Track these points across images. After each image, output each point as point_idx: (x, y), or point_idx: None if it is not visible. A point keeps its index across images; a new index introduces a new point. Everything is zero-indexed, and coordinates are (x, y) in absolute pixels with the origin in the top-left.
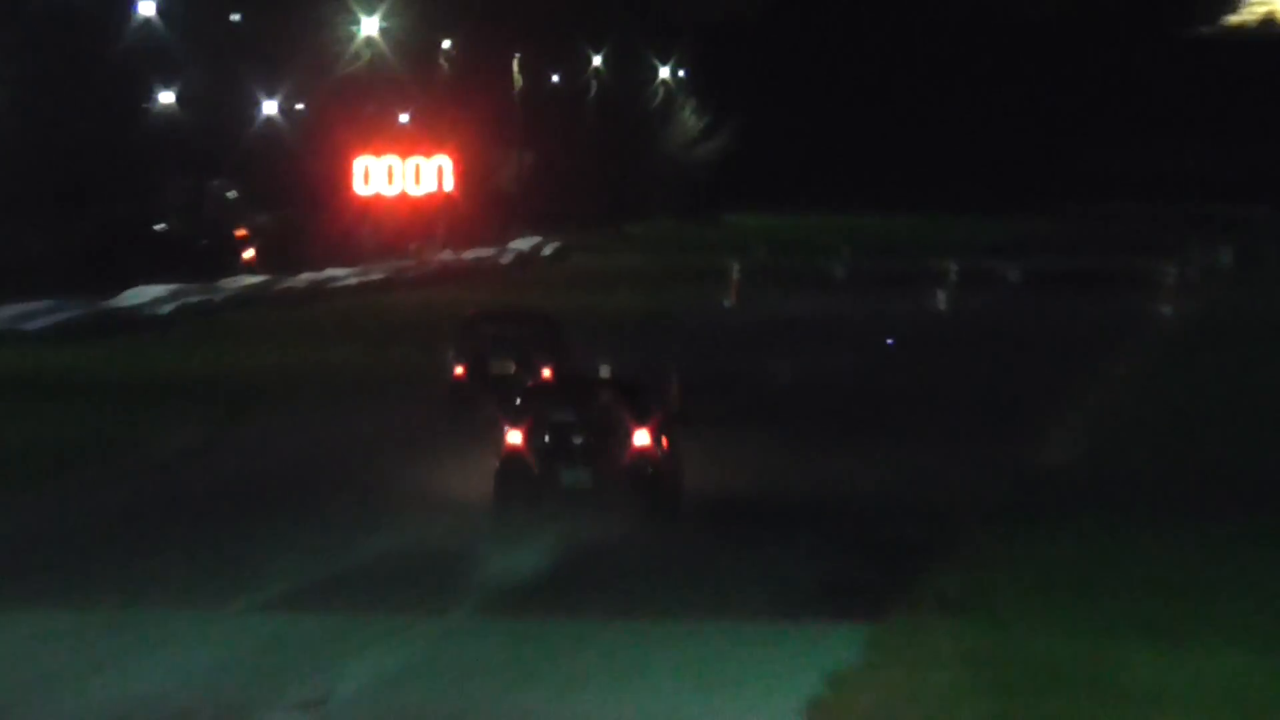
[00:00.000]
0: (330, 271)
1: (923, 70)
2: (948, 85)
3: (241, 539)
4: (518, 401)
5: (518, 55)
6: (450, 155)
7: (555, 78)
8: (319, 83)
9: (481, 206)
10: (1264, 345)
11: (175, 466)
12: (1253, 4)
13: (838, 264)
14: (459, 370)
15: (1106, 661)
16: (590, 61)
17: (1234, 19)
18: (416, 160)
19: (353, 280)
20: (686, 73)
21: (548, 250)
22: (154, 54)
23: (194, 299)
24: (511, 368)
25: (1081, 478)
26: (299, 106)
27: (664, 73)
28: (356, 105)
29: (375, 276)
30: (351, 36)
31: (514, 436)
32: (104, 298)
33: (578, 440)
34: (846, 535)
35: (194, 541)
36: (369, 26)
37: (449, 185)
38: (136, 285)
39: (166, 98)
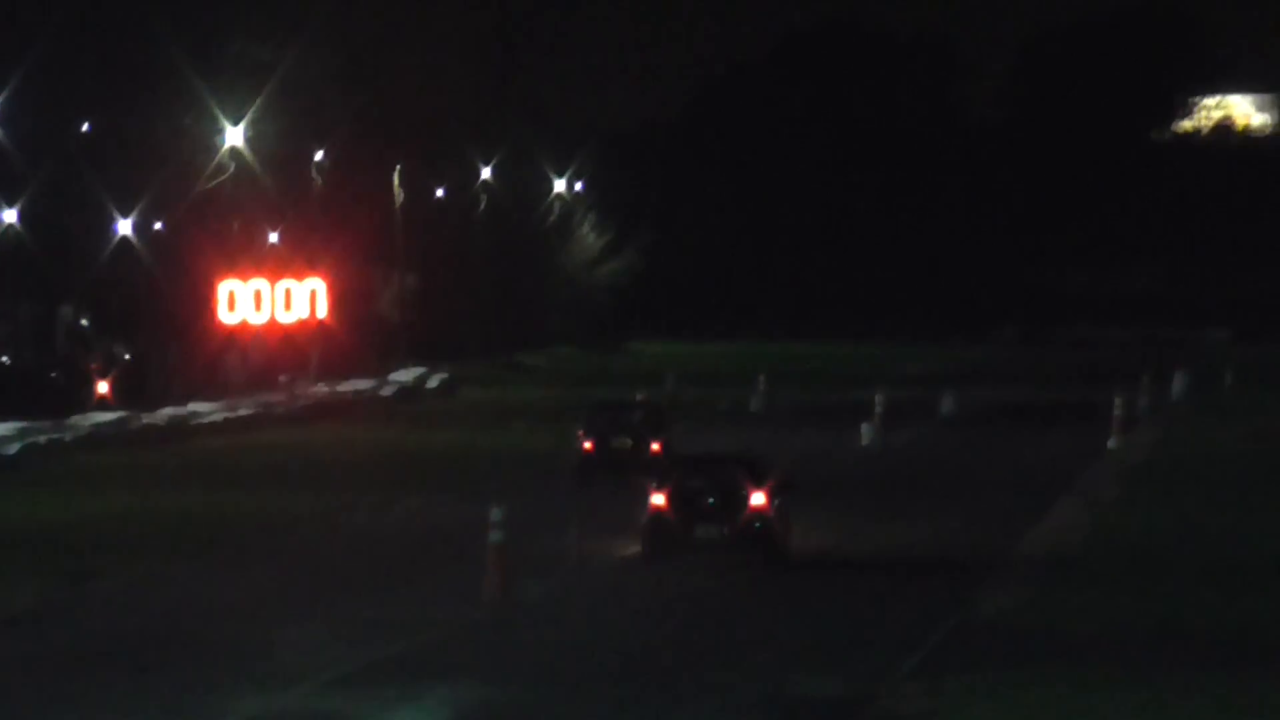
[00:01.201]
0: (193, 407)
1: (848, 185)
2: (875, 201)
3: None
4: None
5: (398, 167)
6: (324, 278)
7: (440, 192)
8: (179, 199)
9: (359, 334)
10: (1218, 483)
11: (22, 625)
12: (1206, 109)
13: (753, 396)
14: (588, 445)
15: None
16: (479, 173)
17: (1187, 124)
18: (287, 284)
19: (218, 416)
20: (585, 185)
21: (434, 382)
22: None
23: (42, 438)
24: (629, 443)
25: (1019, 629)
26: (157, 225)
27: (560, 186)
28: (221, 224)
29: (243, 412)
30: (215, 148)
31: (658, 499)
32: None
33: (709, 501)
34: (760, 692)
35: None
36: (234, 136)
37: (322, 311)
38: None
39: (9, 216)
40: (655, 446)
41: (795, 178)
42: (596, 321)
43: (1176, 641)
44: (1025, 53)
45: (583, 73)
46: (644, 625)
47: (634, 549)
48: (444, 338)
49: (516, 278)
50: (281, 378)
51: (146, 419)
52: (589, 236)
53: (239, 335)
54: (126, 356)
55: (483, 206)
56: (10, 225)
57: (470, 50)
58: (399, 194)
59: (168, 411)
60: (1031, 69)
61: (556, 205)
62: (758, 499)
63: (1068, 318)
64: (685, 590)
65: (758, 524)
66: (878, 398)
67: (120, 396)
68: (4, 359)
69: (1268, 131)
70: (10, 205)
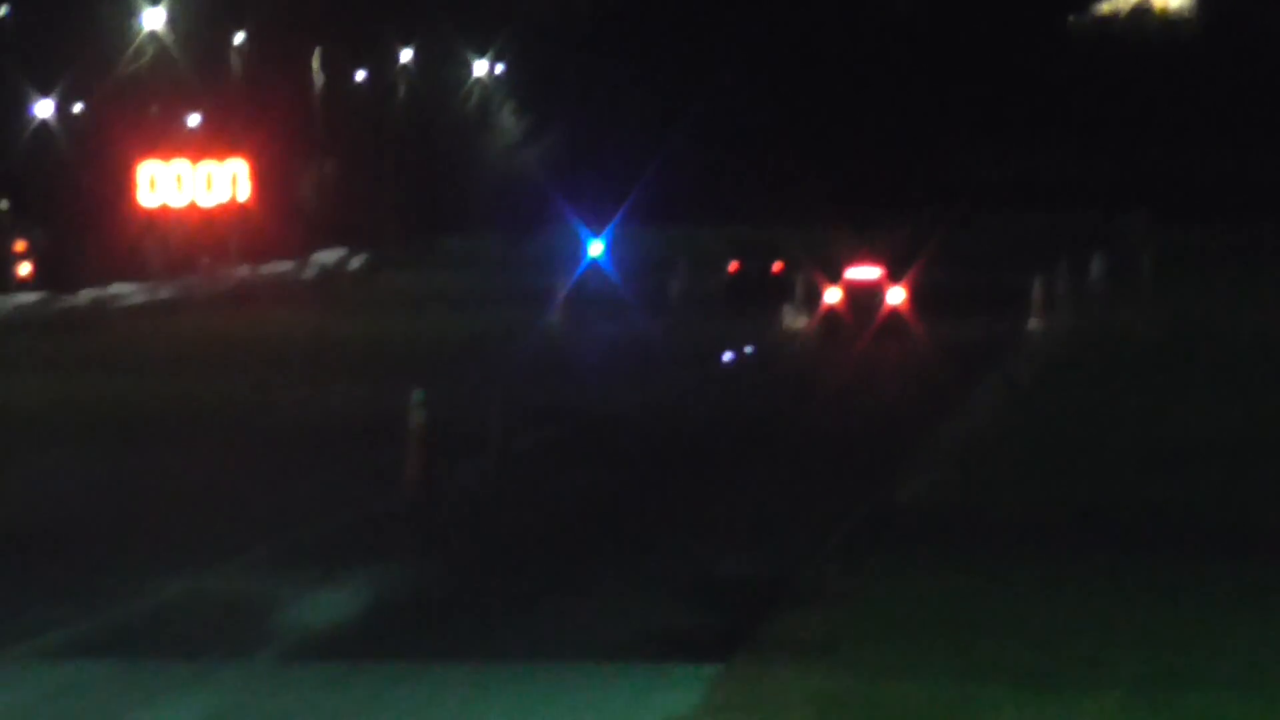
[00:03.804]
0: (114, 289)
1: (765, 69)
2: (792, 86)
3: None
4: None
5: (318, 50)
6: (245, 160)
7: (360, 76)
8: (98, 82)
9: (280, 217)
10: (1134, 367)
11: None
12: None
13: (673, 280)
14: (734, 266)
15: (969, 707)
16: (399, 58)
17: (1105, 7)
18: (208, 166)
19: (139, 299)
20: (506, 69)
21: (354, 264)
22: None
23: None
24: (761, 265)
25: (940, 512)
26: (76, 109)
27: (481, 70)
28: (140, 107)
29: (164, 295)
30: (133, 31)
31: (832, 298)
32: None
33: (864, 302)
34: (681, 573)
35: None
36: (152, 19)
37: (244, 194)
38: None
39: None
40: (776, 267)
41: (712, 64)
42: (516, 207)
43: (1092, 521)
44: None
45: None
46: (565, 510)
47: (550, 433)
48: (364, 221)
49: (436, 162)
50: (202, 260)
51: (67, 301)
52: (509, 121)
53: (159, 218)
54: (46, 239)
55: (402, 92)
56: None
57: None
58: (319, 78)
59: (89, 294)
60: None
61: (476, 90)
62: (895, 298)
63: (985, 202)
64: (609, 474)
65: (896, 317)
66: (797, 278)
67: (41, 279)
68: None
69: (1186, 14)
70: None
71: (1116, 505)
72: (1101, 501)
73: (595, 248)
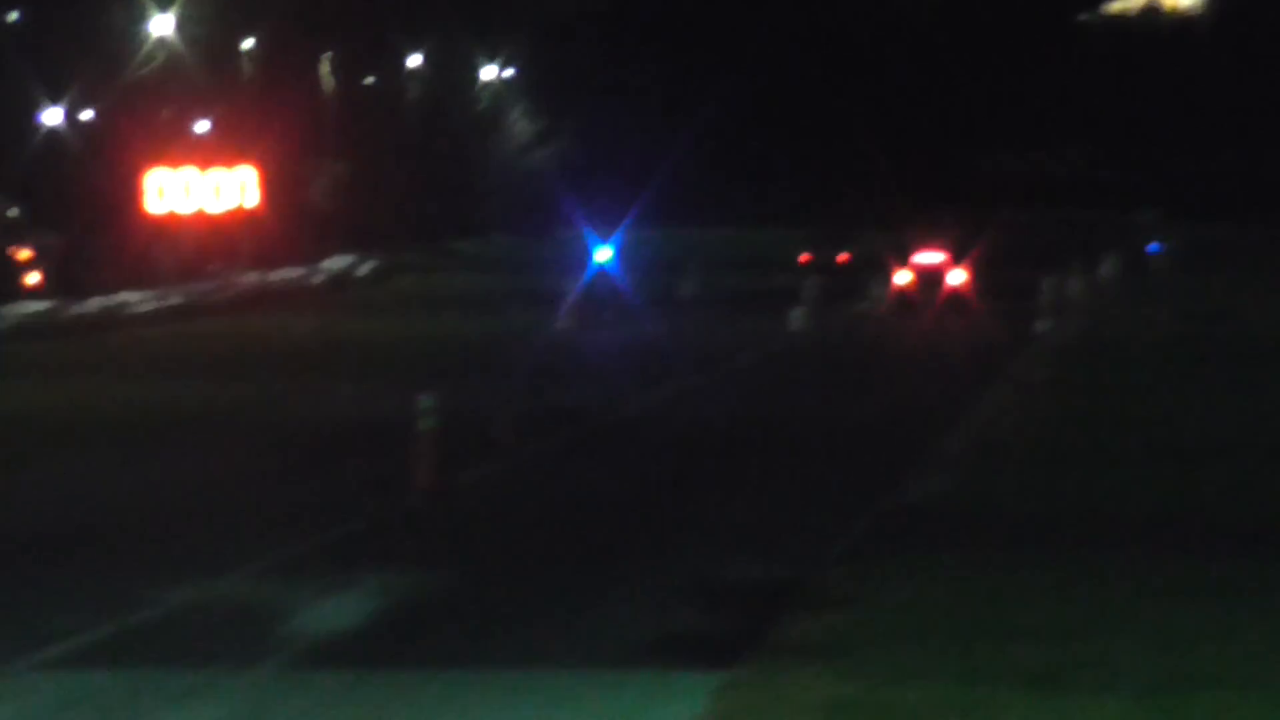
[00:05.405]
0: (124, 296)
1: (777, 72)
2: (804, 88)
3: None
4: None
5: (328, 55)
6: (255, 167)
7: (370, 80)
8: (108, 89)
9: (290, 223)
10: (1146, 365)
11: None
12: None
13: (685, 282)
14: (805, 257)
15: (979, 710)
16: (408, 61)
17: (1115, 6)
18: (217, 173)
19: (150, 306)
20: (517, 73)
21: (365, 270)
22: None
23: None
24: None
25: (948, 513)
26: (86, 115)
27: (491, 74)
28: (150, 113)
29: (174, 301)
30: (144, 36)
31: (903, 279)
32: None
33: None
34: (689, 577)
35: None
36: (162, 25)
37: (253, 200)
38: None
39: None
40: (841, 257)
41: (728, 67)
42: (529, 210)
43: (1105, 521)
44: None
45: None
46: (575, 514)
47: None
48: (376, 226)
49: (447, 165)
50: (212, 266)
51: (77, 308)
52: (520, 124)
53: (168, 224)
54: (57, 246)
55: (413, 95)
56: None
57: None
58: (329, 83)
59: (98, 301)
60: None
61: (487, 94)
62: (957, 280)
63: (997, 200)
64: (615, 474)
65: (957, 296)
66: (808, 282)
67: (52, 286)
68: None
69: (1196, 12)
70: None
71: (1130, 505)
72: (1115, 501)
73: (602, 254)
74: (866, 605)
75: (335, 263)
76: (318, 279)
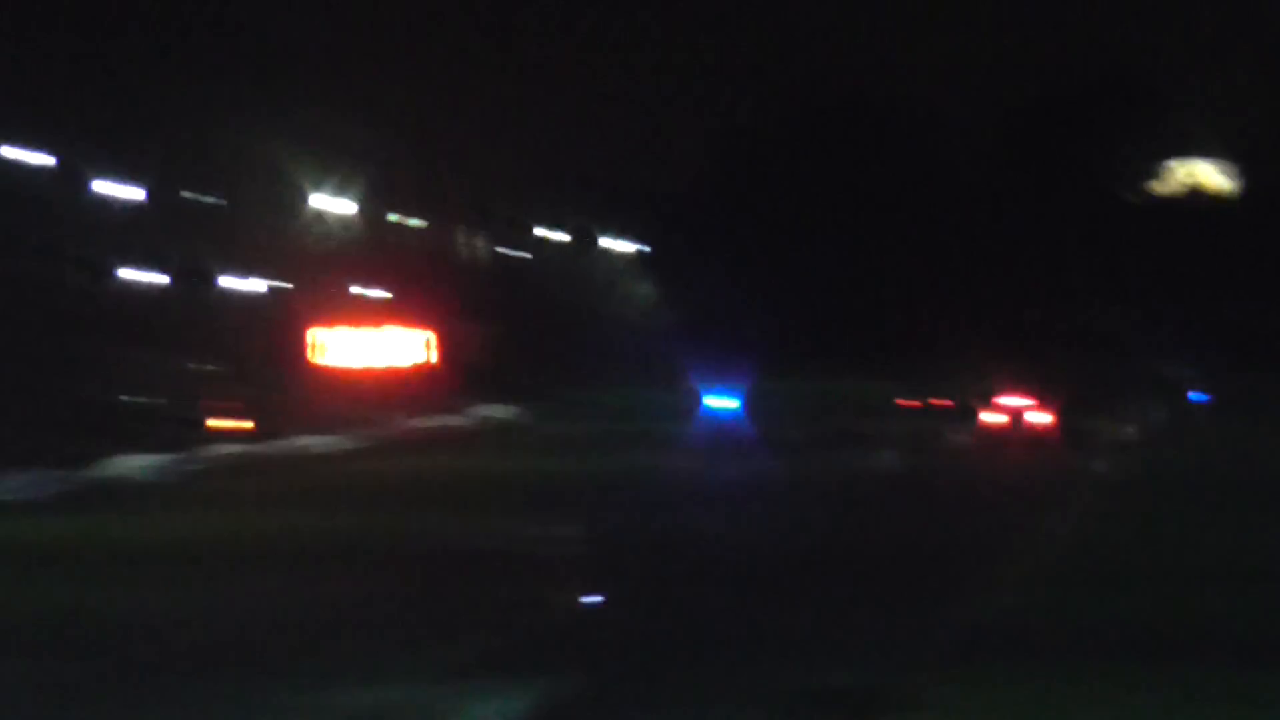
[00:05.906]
0: (305, 439)
1: (853, 241)
2: (877, 258)
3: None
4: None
5: (477, 230)
6: (431, 329)
7: (517, 253)
8: (294, 260)
9: (451, 375)
10: (1205, 503)
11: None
12: (1177, 173)
13: (795, 426)
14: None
15: None
16: (549, 235)
17: (1160, 187)
18: (394, 332)
19: (324, 448)
20: (630, 242)
21: (509, 414)
22: None
23: (175, 467)
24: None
25: (1027, 624)
26: (275, 282)
27: (623, 247)
28: (325, 282)
29: (348, 445)
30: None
31: (992, 419)
32: None
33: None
34: (781, 686)
35: None
36: (321, 202)
37: (428, 356)
38: None
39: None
40: (935, 400)
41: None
42: (651, 363)
43: (1167, 635)
44: (1009, 122)
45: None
46: (683, 628)
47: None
48: (513, 379)
49: (583, 325)
50: (380, 414)
51: (264, 449)
52: (647, 290)
53: (344, 377)
54: (247, 396)
55: (553, 266)
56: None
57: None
58: (480, 252)
59: (282, 444)
60: (1015, 137)
61: (618, 264)
62: (1039, 421)
63: (1067, 350)
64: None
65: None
66: (904, 423)
67: (240, 431)
68: (145, 399)
69: (1234, 195)
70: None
71: (1190, 620)
72: (1177, 617)
73: (723, 402)
74: (944, 709)
75: (485, 410)
76: (469, 423)
